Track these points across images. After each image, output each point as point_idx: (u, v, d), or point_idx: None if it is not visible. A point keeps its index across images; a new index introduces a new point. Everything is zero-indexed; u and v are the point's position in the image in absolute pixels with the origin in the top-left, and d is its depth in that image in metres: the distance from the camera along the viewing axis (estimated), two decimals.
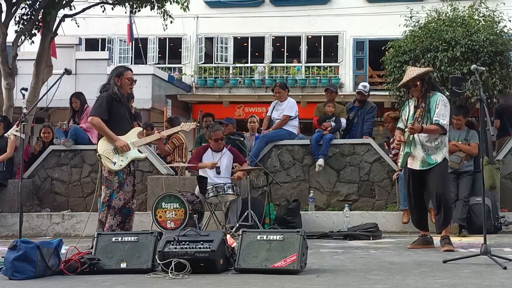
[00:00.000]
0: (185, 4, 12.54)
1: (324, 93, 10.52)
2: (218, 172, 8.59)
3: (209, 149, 8.71)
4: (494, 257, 5.18)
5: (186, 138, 10.57)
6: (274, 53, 23.61)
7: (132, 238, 5.39)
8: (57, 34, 11.77)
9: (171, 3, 12.33)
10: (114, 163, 6.50)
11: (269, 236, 5.10)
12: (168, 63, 24.19)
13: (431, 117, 6.50)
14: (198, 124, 7.24)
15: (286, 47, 23.55)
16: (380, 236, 8.14)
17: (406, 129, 6.71)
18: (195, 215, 7.84)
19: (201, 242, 5.08)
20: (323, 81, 22.08)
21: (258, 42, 23.63)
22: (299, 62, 23.40)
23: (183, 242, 5.10)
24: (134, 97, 7.50)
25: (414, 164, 6.65)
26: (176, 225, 7.88)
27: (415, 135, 6.58)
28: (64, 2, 11.65)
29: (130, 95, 6.85)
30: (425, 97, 6.59)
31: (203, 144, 9.89)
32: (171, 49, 24.13)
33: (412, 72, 6.80)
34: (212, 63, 23.79)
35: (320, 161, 9.48)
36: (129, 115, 6.77)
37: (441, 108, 6.51)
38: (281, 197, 9.43)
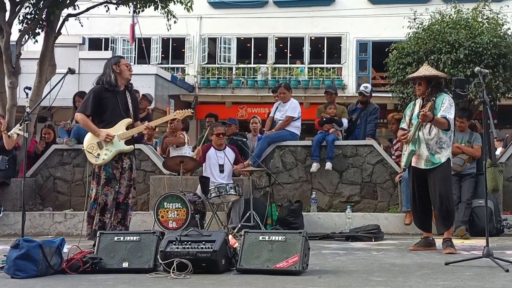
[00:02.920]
0: (189, 4, 12.54)
1: None
2: (221, 171, 8.62)
3: (212, 147, 8.75)
4: (496, 260, 5.17)
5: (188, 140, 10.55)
6: (277, 54, 23.61)
7: (134, 238, 5.39)
8: (60, 33, 11.77)
9: (174, 3, 12.33)
10: (97, 157, 6.46)
11: (271, 237, 5.10)
12: (171, 63, 24.21)
13: (436, 115, 6.48)
14: (193, 112, 7.06)
15: (289, 48, 23.56)
16: (382, 237, 8.14)
17: (410, 128, 6.71)
18: (197, 215, 7.85)
19: (203, 242, 5.08)
20: (326, 83, 22.09)
21: (261, 43, 23.63)
22: (302, 63, 23.40)
23: (185, 242, 5.10)
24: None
25: (419, 163, 6.64)
26: (178, 225, 7.88)
27: (420, 134, 6.58)
28: (68, 1, 11.65)
29: (129, 84, 6.76)
30: (430, 98, 6.55)
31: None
32: (174, 49, 24.15)
33: (422, 70, 6.81)
34: (215, 63, 23.81)
35: (328, 165, 9.48)
36: (123, 107, 6.60)
37: (447, 106, 6.50)
38: (283, 198, 9.43)
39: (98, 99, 6.49)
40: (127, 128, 6.56)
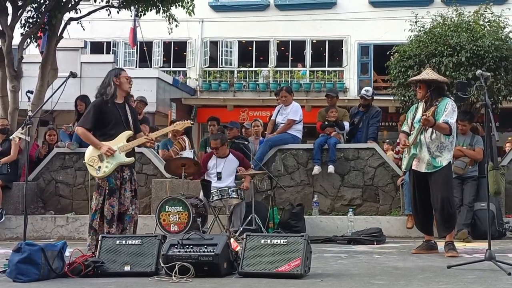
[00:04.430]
0: (190, 8, 12.56)
1: None
2: (219, 178, 8.60)
3: (214, 156, 8.74)
4: (498, 263, 5.16)
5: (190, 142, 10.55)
6: (279, 57, 23.63)
7: (136, 242, 5.39)
8: (62, 37, 11.80)
9: (176, 7, 12.36)
10: (98, 170, 6.45)
11: (273, 240, 5.10)
12: (173, 67, 24.23)
13: (439, 119, 6.48)
14: (193, 123, 7.03)
15: (291, 51, 23.58)
16: (384, 241, 8.14)
17: (411, 132, 6.71)
18: (198, 219, 7.84)
19: (205, 246, 5.08)
20: (327, 86, 22.09)
21: (263, 46, 23.65)
22: (304, 66, 23.41)
23: (187, 246, 5.10)
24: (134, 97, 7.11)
25: (420, 167, 6.63)
26: (180, 228, 7.87)
27: (422, 138, 6.57)
28: (70, 5, 11.69)
29: (129, 96, 6.76)
30: (433, 102, 6.54)
31: (207, 148, 9.92)
32: (176, 52, 24.18)
33: (424, 73, 6.82)
34: (216, 67, 23.83)
35: (331, 168, 9.47)
36: (124, 119, 6.58)
37: (449, 111, 6.50)
38: (285, 201, 9.43)
39: (99, 113, 6.48)
40: (127, 140, 6.55)
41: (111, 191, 6.41)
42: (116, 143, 6.46)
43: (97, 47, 23.56)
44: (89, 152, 6.53)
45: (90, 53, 22.27)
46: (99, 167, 6.40)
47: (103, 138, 6.48)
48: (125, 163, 6.51)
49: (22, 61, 11.30)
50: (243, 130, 11.00)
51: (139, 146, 7.00)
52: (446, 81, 7.03)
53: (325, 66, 23.44)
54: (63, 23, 11.67)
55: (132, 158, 6.61)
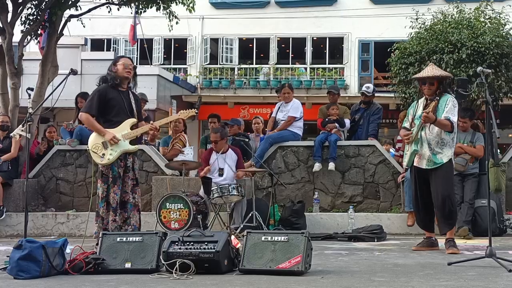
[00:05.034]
0: (191, 5, 12.54)
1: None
2: (221, 174, 8.61)
3: (214, 151, 8.74)
4: (499, 260, 5.16)
5: (190, 139, 10.55)
6: (279, 54, 23.59)
7: (137, 238, 5.39)
8: (62, 34, 11.79)
9: (176, 4, 12.34)
10: (102, 157, 6.45)
11: (273, 237, 5.10)
12: (173, 64, 24.20)
13: (440, 115, 6.47)
14: (197, 112, 7.04)
15: (291, 49, 23.54)
16: (385, 238, 8.14)
17: (412, 128, 6.69)
18: (199, 216, 7.85)
19: (206, 243, 5.08)
20: (328, 83, 22.04)
21: (263, 43, 23.62)
22: (303, 63, 23.39)
23: (188, 243, 5.10)
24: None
25: (421, 163, 6.63)
26: (180, 225, 7.88)
27: (423, 134, 6.57)
28: (70, 2, 11.66)
29: (131, 83, 6.74)
30: (434, 98, 6.53)
31: (208, 145, 9.92)
32: (176, 49, 24.14)
33: (434, 70, 6.73)
34: (217, 64, 23.80)
35: (331, 165, 9.47)
36: (128, 106, 6.60)
37: (450, 107, 6.49)
38: (286, 198, 9.43)
39: (103, 99, 6.48)
40: (131, 128, 6.55)
41: (114, 179, 6.44)
42: (120, 131, 6.48)
43: (97, 44, 23.54)
44: (93, 139, 6.53)
45: (91, 50, 22.24)
46: (103, 154, 6.42)
47: (107, 125, 6.49)
48: (130, 151, 6.54)
49: (23, 58, 11.27)
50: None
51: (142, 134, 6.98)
52: (451, 77, 7.05)
53: (325, 63, 23.41)
54: (63, 20, 11.65)
55: (137, 146, 6.64)
